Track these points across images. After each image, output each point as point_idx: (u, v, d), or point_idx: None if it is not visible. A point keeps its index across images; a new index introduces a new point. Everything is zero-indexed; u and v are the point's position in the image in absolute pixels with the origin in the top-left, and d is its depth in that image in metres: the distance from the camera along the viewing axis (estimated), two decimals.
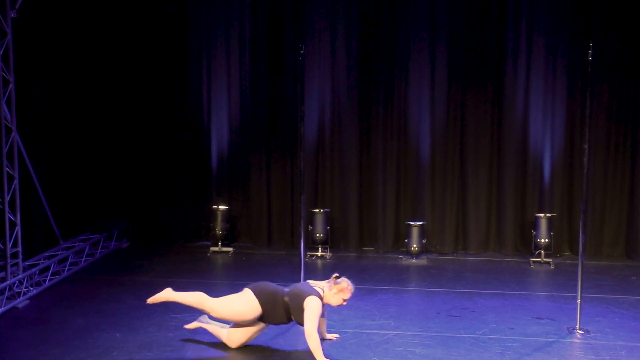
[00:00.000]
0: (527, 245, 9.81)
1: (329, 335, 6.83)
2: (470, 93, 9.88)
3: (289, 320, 6.51)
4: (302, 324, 6.41)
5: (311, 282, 6.66)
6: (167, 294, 6.65)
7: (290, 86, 10.01)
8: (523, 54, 9.73)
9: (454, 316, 7.49)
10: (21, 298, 7.82)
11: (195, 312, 6.88)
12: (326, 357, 6.17)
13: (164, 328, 6.97)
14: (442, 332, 7.02)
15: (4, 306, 7.52)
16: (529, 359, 6.37)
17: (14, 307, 7.63)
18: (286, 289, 6.54)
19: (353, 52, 9.96)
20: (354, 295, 8.03)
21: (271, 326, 6.66)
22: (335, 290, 6.50)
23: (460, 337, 6.89)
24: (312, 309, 6.30)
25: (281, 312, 6.46)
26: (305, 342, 6.27)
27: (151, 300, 6.69)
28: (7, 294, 7.71)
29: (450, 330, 7.06)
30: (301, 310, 6.36)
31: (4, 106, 7.96)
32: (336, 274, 6.61)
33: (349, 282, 6.54)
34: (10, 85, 8.06)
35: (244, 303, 6.46)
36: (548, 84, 9.75)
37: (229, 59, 10.21)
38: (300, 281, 7.32)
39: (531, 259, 9.57)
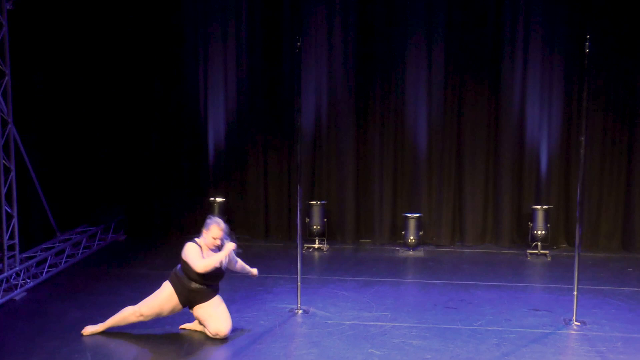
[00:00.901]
0: (524, 237, 9.82)
1: (252, 270, 7.00)
2: (467, 85, 9.87)
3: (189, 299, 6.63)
4: (194, 279, 6.57)
5: None
6: (98, 327, 6.73)
7: (287, 78, 10.00)
8: (520, 47, 9.71)
9: (451, 308, 7.50)
10: (18, 290, 7.82)
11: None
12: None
13: (161, 320, 6.95)
14: (439, 323, 7.03)
15: (1, 298, 7.52)
16: (525, 350, 6.38)
17: (11, 299, 7.63)
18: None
19: (350, 44, 9.94)
20: (351, 287, 8.10)
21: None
22: (203, 233, 6.62)
23: (457, 328, 6.91)
24: (186, 252, 6.52)
25: (185, 290, 6.59)
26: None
27: (87, 332, 6.71)
28: (4, 286, 7.71)
29: (447, 322, 7.07)
30: (185, 264, 6.55)
31: (0, 98, 7.94)
32: (208, 216, 6.76)
33: (216, 220, 6.65)
34: (6, 77, 8.04)
35: (162, 295, 6.63)
36: (545, 77, 9.74)
37: (225, 50, 10.18)
38: (297, 274, 7.32)
39: (528, 251, 9.58)
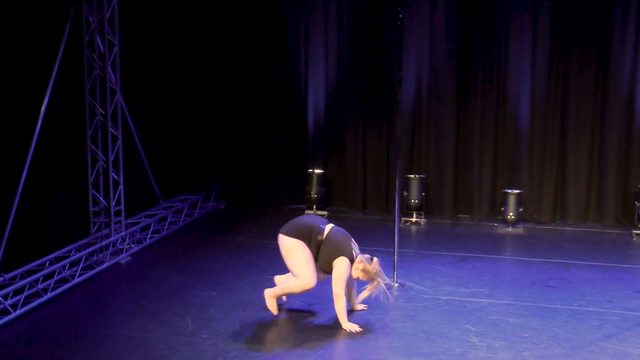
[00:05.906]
0: (630, 217, 9.47)
1: (359, 306, 6.67)
2: (573, 57, 9.52)
3: (316, 259, 6.37)
4: (324, 271, 6.37)
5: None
6: (269, 294, 6.55)
7: (388, 51, 9.91)
8: (633, 15, 9.27)
9: (550, 287, 7.34)
10: (123, 254, 8.13)
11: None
12: (350, 323, 6.25)
13: (259, 288, 7.07)
14: (537, 302, 6.90)
15: (108, 261, 7.83)
16: (629, 334, 6.19)
17: (117, 263, 7.94)
18: (323, 227, 6.38)
19: (452, 16, 9.76)
20: (448, 262, 8.06)
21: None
22: (361, 266, 6.28)
23: (556, 308, 6.76)
24: (340, 270, 6.21)
25: (314, 249, 6.34)
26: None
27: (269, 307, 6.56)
28: (110, 249, 8.01)
29: (545, 301, 6.92)
30: (328, 265, 6.28)
31: (109, 68, 8.19)
32: (375, 258, 6.35)
33: (378, 270, 6.28)
34: (115, 49, 8.28)
35: (300, 250, 6.34)
36: None
37: (326, 23, 10.17)
38: (394, 248, 7.31)
39: (634, 231, 9.24)
